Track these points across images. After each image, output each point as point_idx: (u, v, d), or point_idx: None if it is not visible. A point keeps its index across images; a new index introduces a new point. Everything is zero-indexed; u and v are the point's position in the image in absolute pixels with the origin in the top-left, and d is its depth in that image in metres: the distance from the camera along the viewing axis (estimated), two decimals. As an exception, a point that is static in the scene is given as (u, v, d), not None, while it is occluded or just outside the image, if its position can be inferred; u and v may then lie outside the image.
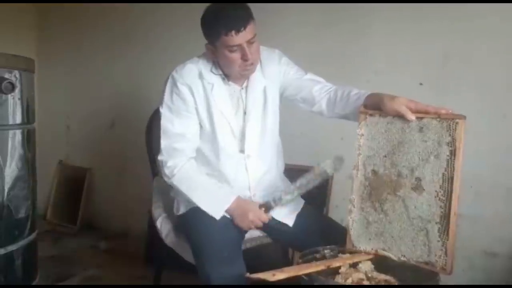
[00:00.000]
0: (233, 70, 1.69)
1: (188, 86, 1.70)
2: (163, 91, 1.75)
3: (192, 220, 1.73)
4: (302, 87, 1.78)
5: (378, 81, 2.31)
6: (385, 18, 2.36)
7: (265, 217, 1.69)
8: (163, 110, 1.74)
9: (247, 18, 1.58)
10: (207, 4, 1.66)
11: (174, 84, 1.71)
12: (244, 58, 1.62)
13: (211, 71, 1.73)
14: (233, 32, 1.56)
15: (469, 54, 2.17)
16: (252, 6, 1.63)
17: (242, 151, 1.76)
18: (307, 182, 1.66)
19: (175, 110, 1.72)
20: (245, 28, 1.56)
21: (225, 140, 1.74)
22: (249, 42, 1.60)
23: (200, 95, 1.71)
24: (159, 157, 1.74)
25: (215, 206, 1.69)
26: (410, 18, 2.29)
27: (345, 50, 2.47)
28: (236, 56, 1.62)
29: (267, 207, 1.68)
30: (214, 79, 1.73)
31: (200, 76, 1.72)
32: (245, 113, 1.77)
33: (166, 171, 1.72)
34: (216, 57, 1.69)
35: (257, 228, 1.77)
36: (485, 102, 2.13)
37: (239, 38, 1.57)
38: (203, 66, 1.73)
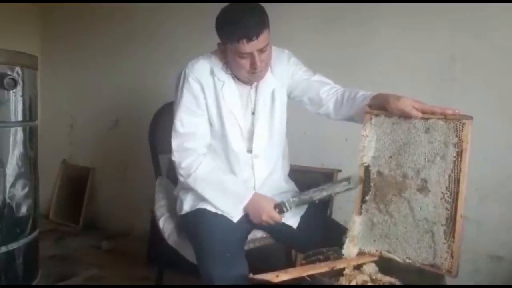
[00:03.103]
0: (241, 75, 1.68)
1: (199, 82, 1.69)
2: (176, 86, 1.74)
3: (195, 220, 1.72)
4: (310, 88, 1.77)
5: (383, 82, 2.30)
6: (392, 20, 2.35)
7: (278, 218, 1.66)
8: (175, 107, 1.74)
9: (261, 27, 1.55)
10: (213, 5, 1.64)
11: (186, 79, 1.70)
12: (253, 66, 1.61)
13: (222, 69, 1.72)
14: (244, 41, 1.54)
15: (475, 56, 2.15)
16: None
17: (249, 151, 1.75)
18: (324, 189, 1.63)
19: (185, 106, 1.71)
20: (257, 38, 1.54)
21: (234, 139, 1.73)
22: (260, 51, 1.58)
23: (211, 92, 1.70)
24: (172, 158, 1.73)
25: (232, 206, 1.68)
26: (416, 21, 2.28)
27: (350, 53, 2.46)
28: (245, 62, 1.61)
29: (281, 209, 1.66)
30: (224, 77, 1.71)
31: (212, 72, 1.71)
32: (253, 113, 1.76)
33: (181, 171, 1.72)
34: (226, 58, 1.68)
35: (261, 229, 1.77)
36: (491, 104, 2.11)
37: (250, 46, 1.55)
38: (215, 63, 1.72)
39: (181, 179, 1.74)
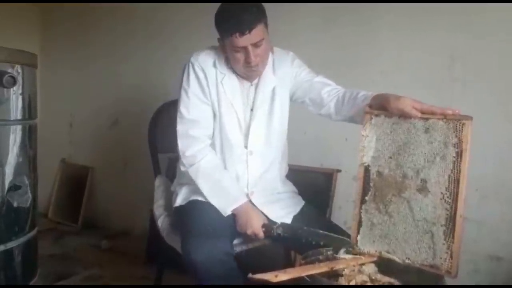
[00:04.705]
0: (238, 69, 1.72)
1: (203, 71, 1.73)
2: (182, 76, 1.77)
3: (186, 211, 1.74)
4: (312, 89, 1.79)
5: (384, 82, 2.30)
6: (393, 20, 2.34)
7: (261, 237, 1.68)
8: (181, 94, 1.76)
9: (254, 21, 1.57)
10: (213, 4, 1.66)
11: (192, 67, 1.74)
12: (247, 60, 1.64)
13: (224, 63, 1.75)
14: (237, 34, 1.57)
15: (475, 56, 2.15)
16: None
17: (246, 146, 1.78)
18: (317, 235, 1.60)
19: (191, 93, 1.73)
20: (250, 32, 1.56)
21: (231, 133, 1.75)
22: (255, 45, 1.61)
23: (213, 83, 1.73)
24: (178, 144, 1.75)
25: (223, 206, 1.69)
26: (417, 21, 2.27)
27: (351, 52, 2.45)
28: (240, 56, 1.64)
29: (268, 230, 1.66)
30: (226, 70, 1.75)
31: (214, 64, 1.74)
32: (251, 109, 1.78)
33: (185, 160, 1.74)
34: (226, 53, 1.70)
35: None
36: (491, 104, 2.10)
37: (243, 40, 1.58)
38: (218, 56, 1.75)
39: (182, 168, 1.75)
